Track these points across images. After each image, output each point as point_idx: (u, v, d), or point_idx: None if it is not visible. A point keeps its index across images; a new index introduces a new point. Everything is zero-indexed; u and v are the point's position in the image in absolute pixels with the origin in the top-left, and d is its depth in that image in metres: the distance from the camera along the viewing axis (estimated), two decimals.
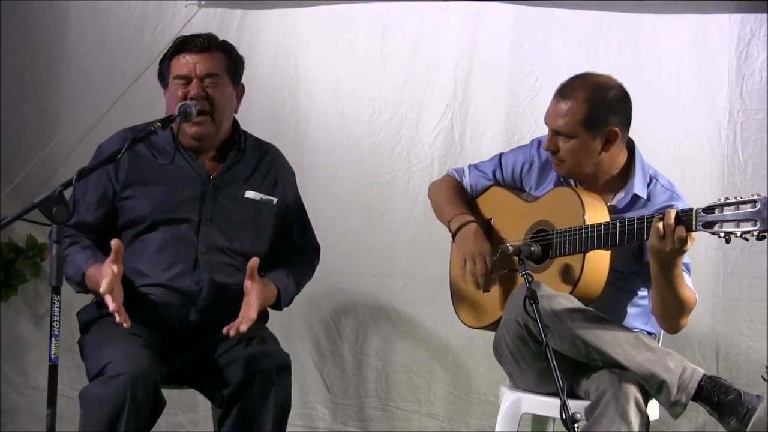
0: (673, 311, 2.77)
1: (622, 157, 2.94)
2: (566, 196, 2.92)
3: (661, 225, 2.60)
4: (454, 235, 3.10)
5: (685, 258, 2.87)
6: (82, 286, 2.92)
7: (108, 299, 2.73)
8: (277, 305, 3.10)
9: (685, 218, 2.58)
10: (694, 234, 2.61)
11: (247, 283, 2.92)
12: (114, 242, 2.78)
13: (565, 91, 2.90)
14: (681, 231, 2.58)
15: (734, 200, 2.50)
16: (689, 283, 2.83)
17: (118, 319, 2.73)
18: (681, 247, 2.60)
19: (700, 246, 3.56)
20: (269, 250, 3.11)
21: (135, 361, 2.71)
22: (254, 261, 2.92)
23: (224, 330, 2.83)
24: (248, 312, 2.88)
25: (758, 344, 3.60)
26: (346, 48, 3.95)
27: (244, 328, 2.84)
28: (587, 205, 2.85)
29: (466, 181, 3.21)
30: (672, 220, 2.59)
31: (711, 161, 3.67)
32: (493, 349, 2.97)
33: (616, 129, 2.87)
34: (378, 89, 3.93)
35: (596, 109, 2.86)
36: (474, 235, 3.04)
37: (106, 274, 2.75)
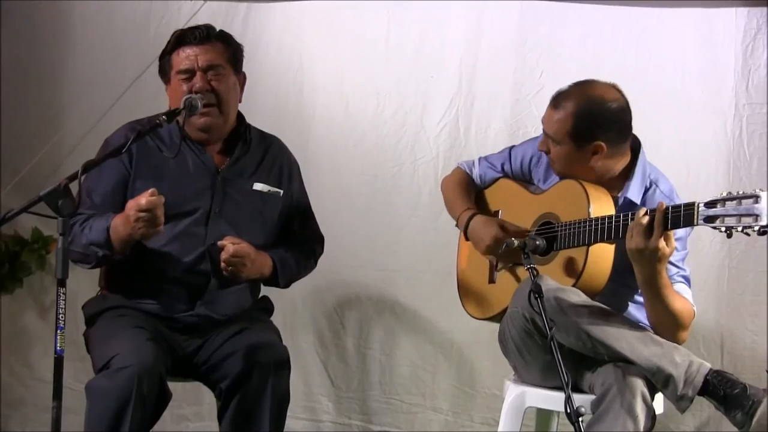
0: (667, 324, 2.76)
1: (621, 163, 2.92)
2: (572, 188, 2.91)
3: (632, 224, 2.60)
4: (465, 231, 3.10)
5: (685, 270, 2.88)
6: (106, 246, 2.85)
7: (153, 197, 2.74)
8: (275, 278, 3.08)
9: (686, 213, 2.57)
10: (673, 241, 2.61)
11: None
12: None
13: (558, 99, 2.90)
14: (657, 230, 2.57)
15: (736, 195, 2.49)
16: (688, 296, 2.82)
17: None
18: (656, 251, 2.60)
19: (705, 240, 3.56)
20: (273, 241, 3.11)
21: (141, 354, 2.72)
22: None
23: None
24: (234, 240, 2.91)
25: (763, 339, 3.59)
26: (350, 41, 3.95)
27: (230, 248, 2.87)
28: (592, 197, 2.84)
29: (476, 172, 3.22)
30: (644, 220, 2.59)
31: (716, 155, 3.67)
32: (498, 342, 2.98)
33: (602, 144, 2.85)
34: (383, 83, 3.92)
35: (583, 123, 2.85)
36: (484, 224, 3.04)
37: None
